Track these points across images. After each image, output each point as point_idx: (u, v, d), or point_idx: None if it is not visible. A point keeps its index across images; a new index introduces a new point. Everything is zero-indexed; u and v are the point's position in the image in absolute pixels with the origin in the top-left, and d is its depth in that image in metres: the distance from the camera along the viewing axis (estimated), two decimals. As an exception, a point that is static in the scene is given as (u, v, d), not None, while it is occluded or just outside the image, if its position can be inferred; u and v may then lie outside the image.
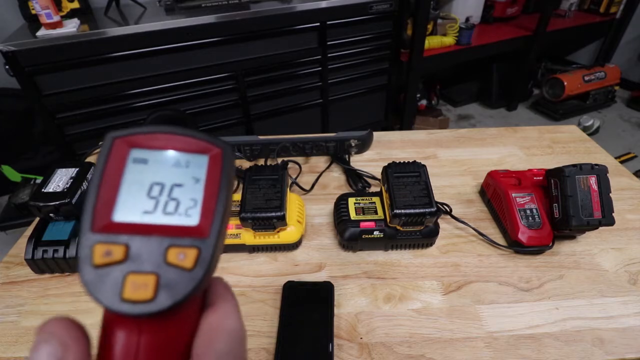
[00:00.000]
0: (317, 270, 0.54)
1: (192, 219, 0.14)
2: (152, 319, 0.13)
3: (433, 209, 0.50)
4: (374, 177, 0.70)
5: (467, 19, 2.13)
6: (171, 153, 0.15)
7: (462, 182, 0.70)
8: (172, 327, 0.14)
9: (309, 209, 0.64)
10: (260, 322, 0.47)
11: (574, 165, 0.52)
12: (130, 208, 0.14)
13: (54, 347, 0.13)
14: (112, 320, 0.14)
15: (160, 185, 0.15)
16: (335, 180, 0.72)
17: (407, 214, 0.50)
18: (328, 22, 1.54)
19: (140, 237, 0.14)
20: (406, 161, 0.56)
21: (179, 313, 0.14)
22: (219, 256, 0.15)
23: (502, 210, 0.58)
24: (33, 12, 1.33)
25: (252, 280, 0.53)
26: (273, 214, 0.51)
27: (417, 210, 0.50)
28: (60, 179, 0.54)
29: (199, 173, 0.15)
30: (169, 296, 0.13)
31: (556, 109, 2.33)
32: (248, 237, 0.54)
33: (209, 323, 0.15)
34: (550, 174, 0.55)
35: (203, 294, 0.16)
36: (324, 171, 0.73)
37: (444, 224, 0.60)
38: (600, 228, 0.53)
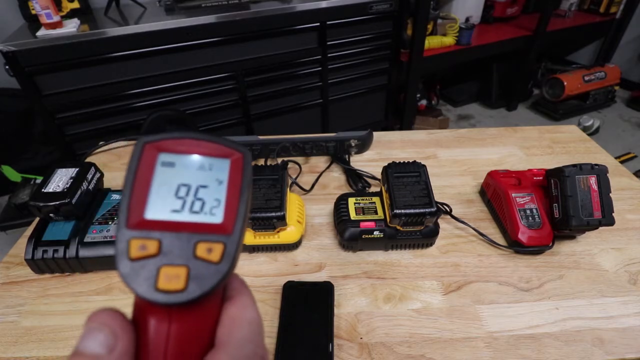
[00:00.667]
0: (317, 270, 0.54)
1: (216, 217, 0.16)
2: (182, 308, 0.15)
3: (433, 209, 0.50)
4: (374, 177, 0.70)
5: (467, 19, 2.14)
6: (196, 157, 0.16)
7: (462, 182, 0.70)
8: (199, 316, 0.15)
9: (309, 209, 0.64)
10: (260, 322, 0.47)
11: (574, 165, 0.52)
12: (160, 207, 0.16)
13: (105, 336, 0.14)
14: (144, 310, 0.15)
15: (186, 186, 0.16)
16: (335, 180, 0.72)
17: (407, 214, 0.50)
18: (328, 22, 1.54)
19: (171, 233, 0.15)
20: (406, 161, 0.56)
21: (205, 303, 0.15)
22: (240, 252, 0.16)
23: (502, 210, 0.58)
24: (33, 12, 1.33)
25: (252, 280, 0.53)
26: (273, 214, 0.51)
27: (417, 210, 0.50)
28: (60, 179, 0.54)
29: (221, 175, 0.16)
30: (198, 287, 0.14)
31: (556, 109, 2.33)
32: (248, 237, 0.54)
33: (230, 314, 0.17)
34: (550, 174, 0.55)
35: (223, 287, 0.17)
36: (324, 171, 0.73)
37: (444, 224, 0.60)
38: (600, 228, 0.53)
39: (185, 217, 0.16)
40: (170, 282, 0.14)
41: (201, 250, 0.15)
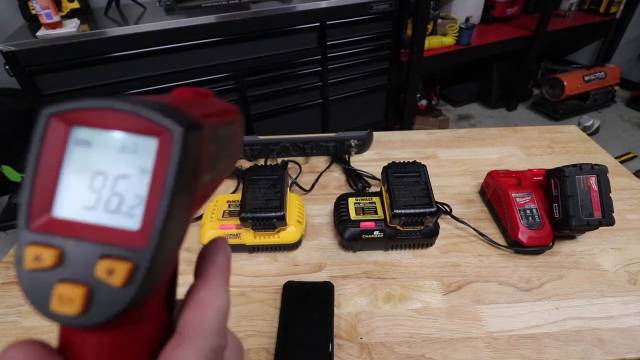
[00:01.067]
0: (317, 270, 0.54)
1: (134, 221, 0.12)
2: (98, 328, 0.12)
3: (433, 209, 0.50)
4: (374, 177, 0.70)
5: (467, 19, 2.14)
6: (118, 134, 0.12)
7: (462, 182, 0.70)
8: (127, 331, 0.13)
9: (309, 209, 0.64)
10: (260, 322, 0.47)
11: (574, 165, 0.52)
12: (70, 202, 0.12)
13: None
14: (63, 328, 0.13)
15: (103, 175, 0.12)
16: (335, 180, 0.72)
17: (407, 214, 0.50)
18: (328, 22, 1.54)
19: (76, 240, 0.12)
20: (406, 161, 0.56)
21: (128, 321, 0.12)
22: (172, 258, 0.13)
23: (502, 210, 0.58)
24: (33, 12, 1.33)
25: (252, 280, 0.53)
26: (273, 214, 0.51)
27: (417, 210, 0.50)
28: (60, 179, 0.53)
29: (147, 162, 0.12)
30: (97, 313, 0.11)
31: (556, 109, 2.33)
32: (248, 237, 0.54)
33: (200, 297, 0.15)
34: (550, 174, 0.55)
35: (172, 277, 0.15)
36: (324, 171, 0.73)
37: (444, 224, 0.60)
38: (600, 228, 0.53)
39: (97, 217, 0.12)
40: (63, 304, 0.11)
41: (101, 269, 0.11)
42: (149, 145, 0.12)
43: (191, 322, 0.14)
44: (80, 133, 0.12)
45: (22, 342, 0.13)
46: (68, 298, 0.11)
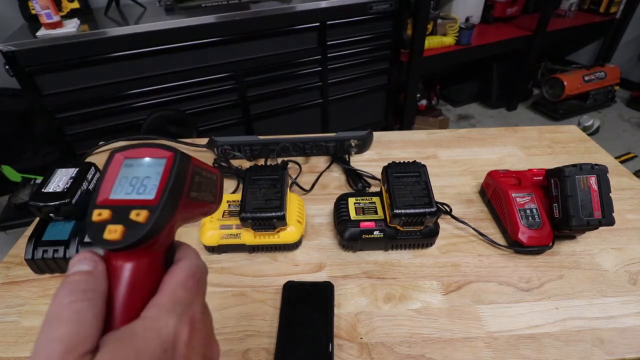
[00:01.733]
0: (317, 270, 0.54)
1: (151, 195, 0.22)
2: (127, 252, 0.21)
3: (433, 209, 0.50)
4: (374, 177, 0.70)
5: (467, 19, 2.14)
6: (146, 159, 0.24)
7: (462, 182, 0.70)
8: (143, 259, 0.22)
9: (309, 209, 0.64)
10: (260, 322, 0.47)
11: (574, 165, 0.52)
12: (119, 191, 0.23)
13: (89, 261, 0.21)
14: (107, 255, 0.22)
15: (137, 178, 0.23)
16: (335, 180, 0.72)
17: (407, 214, 0.50)
18: (328, 22, 1.54)
19: (120, 206, 0.22)
20: (406, 161, 0.56)
21: (144, 251, 0.22)
22: (170, 218, 0.23)
23: (502, 210, 0.58)
24: (33, 12, 1.33)
25: (252, 280, 0.53)
26: (273, 214, 0.51)
27: (417, 210, 0.50)
28: (60, 179, 0.54)
29: (159, 169, 0.23)
30: (128, 238, 0.20)
31: (556, 109, 2.33)
32: (248, 237, 0.54)
33: (184, 245, 0.25)
34: (550, 174, 0.55)
35: (166, 253, 0.24)
36: (324, 171, 0.73)
37: (444, 224, 0.60)
38: (600, 228, 0.53)
39: (133, 196, 0.22)
40: (111, 234, 0.20)
41: (133, 214, 0.21)
42: (161, 162, 0.23)
43: (182, 253, 0.24)
44: (128, 161, 0.24)
45: (86, 250, 0.22)
46: (114, 230, 0.21)
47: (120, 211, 0.21)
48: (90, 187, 0.56)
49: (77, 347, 0.18)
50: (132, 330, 0.20)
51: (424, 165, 0.55)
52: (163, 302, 0.21)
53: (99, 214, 0.21)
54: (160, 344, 0.20)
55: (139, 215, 0.21)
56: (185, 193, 0.24)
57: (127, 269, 0.21)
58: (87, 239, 0.51)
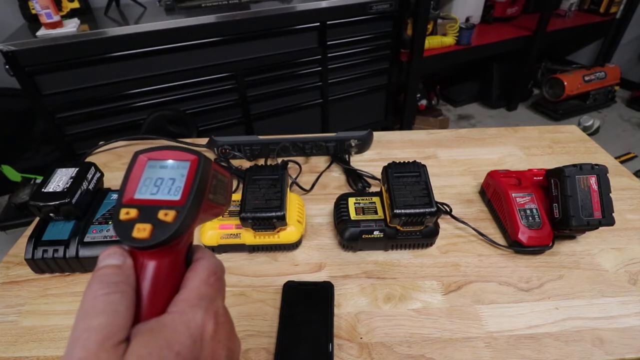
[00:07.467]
0: (317, 270, 0.54)
1: (177, 196, 0.23)
2: (153, 251, 0.22)
3: (433, 209, 0.50)
4: (374, 177, 0.70)
5: (467, 19, 2.14)
6: (170, 162, 0.24)
7: (462, 182, 0.70)
8: (168, 257, 0.23)
9: (309, 209, 0.64)
10: (260, 322, 0.47)
11: (574, 165, 0.52)
12: (144, 191, 0.23)
13: (118, 256, 0.22)
14: (134, 253, 0.23)
15: (162, 179, 0.24)
16: (335, 180, 0.72)
17: (407, 214, 0.50)
18: (328, 22, 1.54)
19: (147, 205, 0.23)
20: (406, 161, 0.56)
21: (169, 250, 0.23)
22: (194, 219, 0.24)
23: (502, 210, 0.58)
24: (33, 12, 1.33)
25: (252, 280, 0.53)
26: (273, 213, 0.51)
27: (417, 210, 0.50)
28: (60, 179, 0.54)
29: (184, 172, 0.24)
30: (157, 237, 0.21)
31: (556, 109, 2.33)
32: (248, 237, 0.54)
33: (202, 248, 0.26)
34: (550, 174, 0.55)
35: (186, 249, 0.25)
36: (324, 171, 0.73)
37: (444, 224, 0.60)
38: (600, 228, 0.53)
39: (158, 196, 0.23)
40: (140, 232, 0.21)
41: (161, 214, 0.22)
42: (186, 165, 0.24)
43: (201, 253, 0.25)
44: (152, 162, 0.24)
45: (115, 246, 0.23)
46: (143, 229, 0.21)
47: (148, 210, 0.22)
48: (90, 187, 0.56)
49: (113, 336, 0.19)
50: (162, 322, 0.21)
51: (424, 165, 0.55)
52: (189, 298, 0.22)
53: (127, 213, 0.22)
54: (190, 336, 0.21)
55: (167, 215, 0.22)
56: (207, 195, 0.25)
57: (152, 266, 0.22)
58: (87, 239, 0.51)
